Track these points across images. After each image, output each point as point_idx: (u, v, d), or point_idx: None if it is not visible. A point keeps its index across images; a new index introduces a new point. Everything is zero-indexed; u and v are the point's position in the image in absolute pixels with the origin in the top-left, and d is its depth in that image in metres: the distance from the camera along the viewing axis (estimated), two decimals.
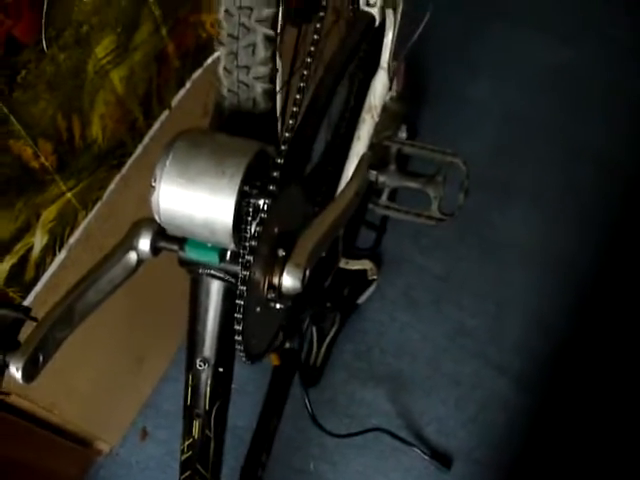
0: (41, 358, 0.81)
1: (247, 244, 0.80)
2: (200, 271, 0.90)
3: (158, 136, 1.31)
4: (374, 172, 1.04)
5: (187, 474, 0.99)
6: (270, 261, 0.85)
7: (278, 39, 1.18)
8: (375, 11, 1.03)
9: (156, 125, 1.31)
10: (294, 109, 0.85)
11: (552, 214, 1.92)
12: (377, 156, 1.16)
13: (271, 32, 0.87)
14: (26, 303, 1.19)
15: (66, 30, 1.02)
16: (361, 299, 1.77)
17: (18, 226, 1.10)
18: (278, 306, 0.89)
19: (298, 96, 0.85)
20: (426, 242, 1.86)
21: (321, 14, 0.90)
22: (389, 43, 1.19)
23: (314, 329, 1.70)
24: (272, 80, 0.90)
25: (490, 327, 1.74)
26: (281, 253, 0.86)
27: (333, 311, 1.68)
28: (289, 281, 0.85)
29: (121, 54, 1.15)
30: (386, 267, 1.84)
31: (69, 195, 1.17)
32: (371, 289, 1.78)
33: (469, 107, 2.09)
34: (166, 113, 1.33)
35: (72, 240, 1.23)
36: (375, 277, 1.77)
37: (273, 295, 0.86)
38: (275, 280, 0.86)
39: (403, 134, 1.90)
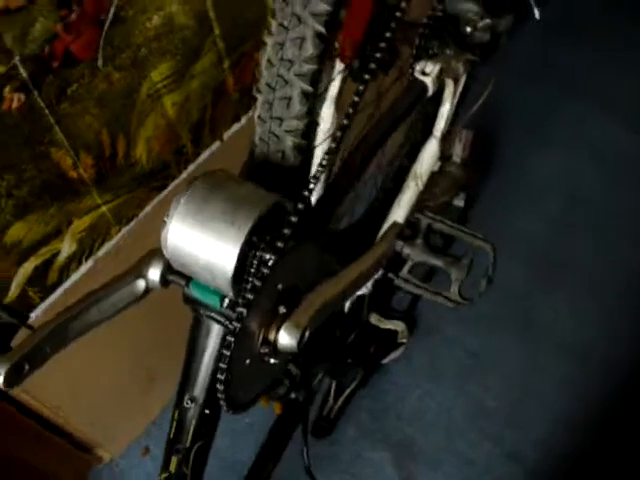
0: (27, 367, 0.82)
1: (245, 296, 0.79)
2: (202, 311, 0.89)
3: (205, 165, 1.32)
4: (400, 243, 1.01)
5: None
6: (268, 316, 0.84)
7: (335, 91, 1.20)
8: (429, 81, 1.01)
9: (205, 154, 1.32)
10: (318, 169, 0.84)
11: (603, 306, 1.85)
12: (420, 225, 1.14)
13: (309, 88, 0.86)
14: (45, 305, 1.21)
15: (124, 52, 1.05)
16: (387, 359, 1.74)
17: (48, 230, 1.12)
18: (272, 361, 0.88)
19: (326, 157, 0.84)
20: (463, 313, 1.81)
21: (366, 77, 0.89)
22: (445, 113, 1.16)
23: (333, 381, 1.68)
24: (305, 136, 0.90)
25: (511, 413, 1.68)
26: (282, 310, 0.84)
27: (354, 367, 1.65)
28: (285, 339, 0.83)
29: (177, 80, 1.16)
30: (418, 331, 1.80)
31: (104, 208, 1.19)
32: (398, 352, 1.74)
33: (534, 181, 2.04)
34: (217, 144, 1.34)
35: (101, 252, 1.24)
36: (405, 340, 1.74)
37: (267, 350, 0.85)
38: (271, 336, 0.84)
39: (461, 202, 1.87)
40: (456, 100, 1.17)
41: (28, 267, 1.13)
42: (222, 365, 0.81)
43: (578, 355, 1.76)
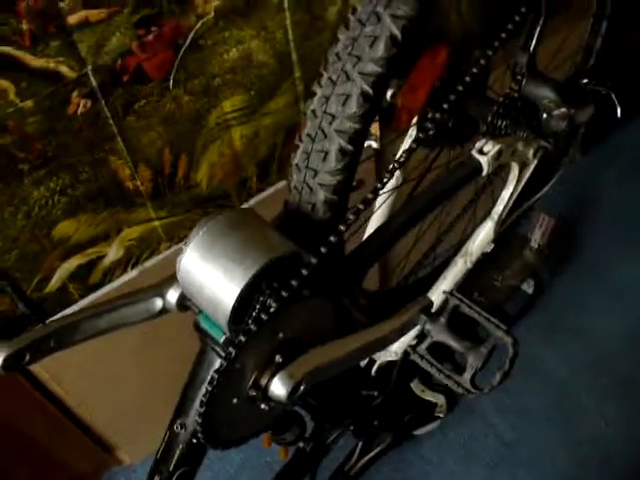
0: (28, 357, 0.84)
1: (238, 337, 0.79)
2: (207, 342, 0.90)
3: (267, 202, 1.33)
4: (424, 318, 0.99)
5: None
6: (263, 361, 0.84)
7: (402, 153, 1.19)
8: (484, 160, 0.99)
9: (269, 191, 1.34)
10: (341, 227, 0.83)
11: None
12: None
13: (347, 146, 0.86)
14: (85, 303, 1.24)
15: (197, 78, 1.08)
16: (419, 431, 1.69)
17: (97, 233, 1.16)
18: (262, 406, 0.87)
19: (351, 216, 0.84)
20: (507, 401, 1.75)
21: (413, 145, 0.88)
22: (506, 197, 1.13)
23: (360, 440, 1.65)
24: (337, 192, 0.90)
25: None
26: (278, 358, 0.84)
27: (383, 430, 1.61)
28: (276, 388, 0.83)
29: (249, 115, 1.19)
30: (458, 409, 1.74)
31: (157, 223, 1.22)
32: (433, 425, 1.69)
33: (613, 287, 1.92)
34: (283, 183, 1.35)
35: (148, 264, 1.27)
36: (442, 415, 1.69)
37: (255, 394, 0.85)
38: (263, 381, 0.84)
39: (530, 288, 1.82)
40: (521, 186, 1.14)
41: (72, 263, 1.17)
42: (202, 398, 0.81)
43: (621, 472, 1.66)
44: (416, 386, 1.70)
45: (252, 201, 1.33)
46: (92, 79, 0.98)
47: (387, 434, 1.65)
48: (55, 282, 1.18)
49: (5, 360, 0.81)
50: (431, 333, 1.00)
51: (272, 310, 0.79)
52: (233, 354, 0.79)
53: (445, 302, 1.00)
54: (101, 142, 1.06)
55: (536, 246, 1.76)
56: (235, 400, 0.85)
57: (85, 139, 1.04)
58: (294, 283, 0.80)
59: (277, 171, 1.32)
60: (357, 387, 1.35)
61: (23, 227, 1.07)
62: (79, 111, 1.00)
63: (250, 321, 0.79)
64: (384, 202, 1.21)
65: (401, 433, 1.68)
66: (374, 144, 1.35)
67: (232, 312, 0.79)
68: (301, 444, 1.26)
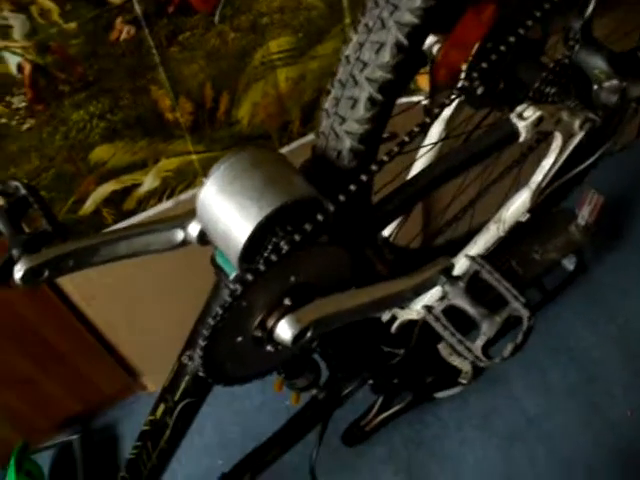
0: (46, 273, 0.85)
1: (245, 275, 0.79)
2: (222, 277, 0.90)
3: (308, 147, 1.31)
4: (444, 279, 0.98)
5: (139, 444, 1.02)
6: (271, 303, 0.84)
7: (448, 112, 1.17)
8: (522, 125, 0.95)
9: (311, 136, 1.33)
10: (362, 177, 0.82)
11: None
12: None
13: (377, 95, 0.84)
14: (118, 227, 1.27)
15: (244, 14, 1.07)
16: (440, 394, 1.69)
17: (134, 160, 1.18)
18: (268, 348, 0.87)
19: (374, 167, 0.83)
20: (535, 377, 1.72)
21: (438, 108, 0.86)
22: (546, 167, 1.10)
23: (380, 396, 1.65)
24: (364, 141, 0.88)
25: None
26: (287, 302, 0.84)
27: (403, 389, 1.62)
28: (282, 330, 0.82)
29: (295, 57, 1.17)
30: (485, 379, 1.72)
31: (194, 157, 1.22)
32: (454, 390, 1.68)
33: None
34: None
35: (184, 196, 1.28)
36: (465, 382, 1.67)
37: (260, 335, 0.85)
38: (269, 323, 0.84)
39: (571, 265, 1.78)
40: (563, 157, 1.10)
41: (107, 188, 1.19)
42: (204, 332, 0.82)
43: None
44: (444, 348, 1.69)
45: (294, 144, 1.32)
46: (136, 6, 0.98)
47: (407, 393, 1.65)
48: (89, 205, 1.20)
49: (24, 273, 0.83)
50: (448, 295, 0.99)
51: (283, 252, 0.79)
52: (239, 291, 0.79)
53: (467, 266, 0.99)
54: (143, 70, 1.06)
55: (583, 223, 1.72)
56: (240, 338, 0.86)
57: (127, 66, 1.04)
58: (308, 227, 0.80)
59: None
60: (377, 342, 1.34)
61: (60, 147, 1.09)
62: (122, 37, 1.00)
63: (261, 261, 0.79)
64: (422, 156, 1.19)
65: (422, 394, 1.68)
66: (423, 99, 1.32)
67: (243, 250, 0.78)
68: (314, 391, 1.28)
